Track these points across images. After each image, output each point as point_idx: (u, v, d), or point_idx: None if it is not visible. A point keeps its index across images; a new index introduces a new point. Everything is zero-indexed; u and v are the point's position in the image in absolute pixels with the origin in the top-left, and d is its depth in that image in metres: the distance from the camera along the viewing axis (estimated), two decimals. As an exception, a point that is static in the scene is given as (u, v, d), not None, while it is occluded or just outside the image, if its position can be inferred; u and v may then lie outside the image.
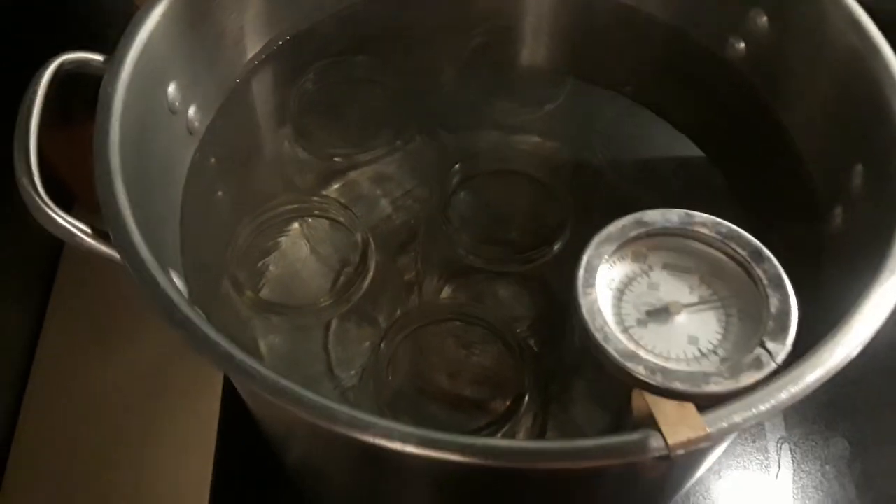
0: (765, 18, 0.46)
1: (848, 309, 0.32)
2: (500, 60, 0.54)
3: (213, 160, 0.47)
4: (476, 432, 0.38)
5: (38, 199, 0.34)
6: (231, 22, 0.47)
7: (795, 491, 0.52)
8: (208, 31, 0.46)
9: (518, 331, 0.42)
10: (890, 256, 0.33)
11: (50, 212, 0.34)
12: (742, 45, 0.48)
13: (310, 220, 0.48)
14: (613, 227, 0.28)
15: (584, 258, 0.27)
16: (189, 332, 0.30)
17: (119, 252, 0.33)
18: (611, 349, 0.25)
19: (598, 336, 0.26)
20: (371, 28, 0.53)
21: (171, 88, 0.42)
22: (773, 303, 0.27)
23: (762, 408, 0.28)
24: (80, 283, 0.60)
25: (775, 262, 0.28)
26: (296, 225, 0.48)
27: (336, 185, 0.51)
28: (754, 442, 0.54)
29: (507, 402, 0.40)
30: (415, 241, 0.50)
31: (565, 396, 0.44)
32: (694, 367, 0.26)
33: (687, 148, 0.50)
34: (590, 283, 0.27)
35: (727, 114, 0.49)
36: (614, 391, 0.36)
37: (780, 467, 0.53)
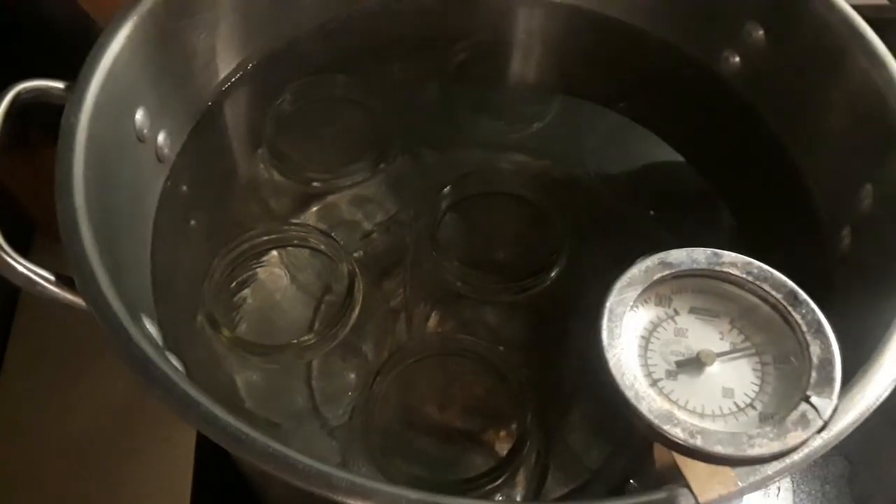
0: (761, 32, 0.44)
1: (874, 343, 0.30)
2: (486, 77, 0.52)
3: (184, 188, 0.45)
4: (481, 478, 0.36)
5: (-6, 243, 0.31)
6: (201, 42, 0.45)
7: (796, 511, 0.51)
8: (177, 53, 0.43)
9: (511, 360, 0.40)
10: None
11: (8, 258, 0.31)
12: (737, 59, 0.46)
13: (289, 248, 0.46)
14: (636, 270, 0.26)
15: (607, 306, 0.25)
16: (166, 389, 0.29)
17: (86, 301, 0.30)
18: (644, 409, 0.23)
19: (630, 395, 0.24)
20: (350, 44, 0.51)
21: (139, 115, 0.40)
22: (815, 351, 0.25)
23: (796, 458, 0.26)
24: (42, 316, 0.56)
25: (813, 305, 0.26)
26: (274, 253, 0.46)
27: (314, 209, 0.49)
28: (754, 463, 0.53)
29: (509, 443, 0.38)
30: (399, 266, 0.48)
31: (563, 427, 0.42)
32: (731, 424, 0.24)
33: (682, 166, 0.49)
34: (615, 335, 0.24)
35: (723, 130, 0.48)
36: (615, 422, 0.34)
37: (780, 488, 0.52)
